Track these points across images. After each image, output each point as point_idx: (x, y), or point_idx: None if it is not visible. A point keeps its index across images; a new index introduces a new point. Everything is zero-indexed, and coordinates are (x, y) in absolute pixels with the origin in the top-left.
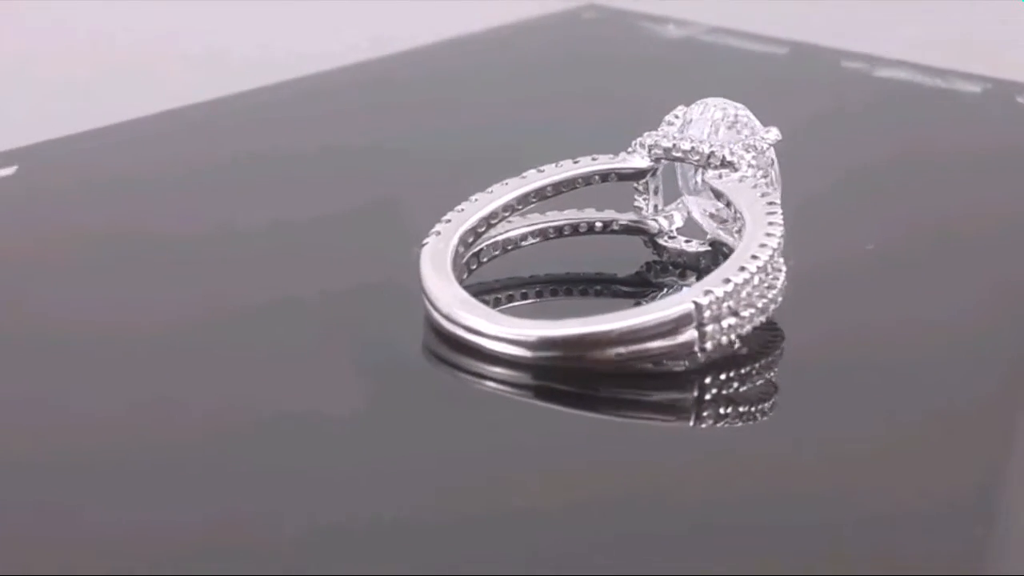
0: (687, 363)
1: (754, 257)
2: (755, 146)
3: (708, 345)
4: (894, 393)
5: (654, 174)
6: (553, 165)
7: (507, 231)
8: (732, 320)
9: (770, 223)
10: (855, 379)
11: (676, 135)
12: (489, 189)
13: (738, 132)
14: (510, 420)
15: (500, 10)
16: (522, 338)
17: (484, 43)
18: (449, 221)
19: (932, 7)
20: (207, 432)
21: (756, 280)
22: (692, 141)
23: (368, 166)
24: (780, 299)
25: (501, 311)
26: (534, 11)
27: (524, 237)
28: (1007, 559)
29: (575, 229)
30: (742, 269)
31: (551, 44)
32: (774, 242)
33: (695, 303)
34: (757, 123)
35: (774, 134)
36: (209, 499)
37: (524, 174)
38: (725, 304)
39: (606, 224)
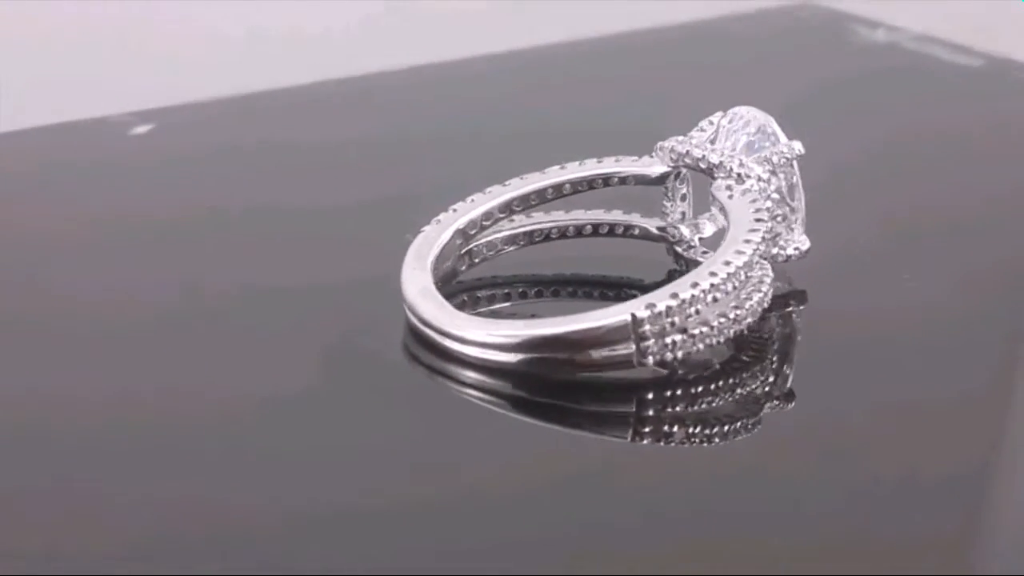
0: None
1: (712, 274)
2: (770, 159)
3: (649, 360)
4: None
5: (678, 180)
6: (576, 163)
7: (522, 226)
8: (678, 337)
9: (746, 240)
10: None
11: (693, 142)
12: (506, 182)
13: (759, 143)
14: (455, 419)
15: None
16: (463, 335)
17: (693, 32)
18: (455, 211)
19: None
20: (174, 415)
21: (710, 298)
22: (704, 149)
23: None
24: (749, 319)
25: (483, 308)
26: (752, 6)
27: (539, 234)
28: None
29: (595, 230)
30: (694, 285)
31: (755, 39)
32: (740, 260)
33: (633, 315)
34: (781, 135)
35: (797, 147)
36: (175, 481)
37: (545, 170)
38: (668, 320)
39: (627, 228)
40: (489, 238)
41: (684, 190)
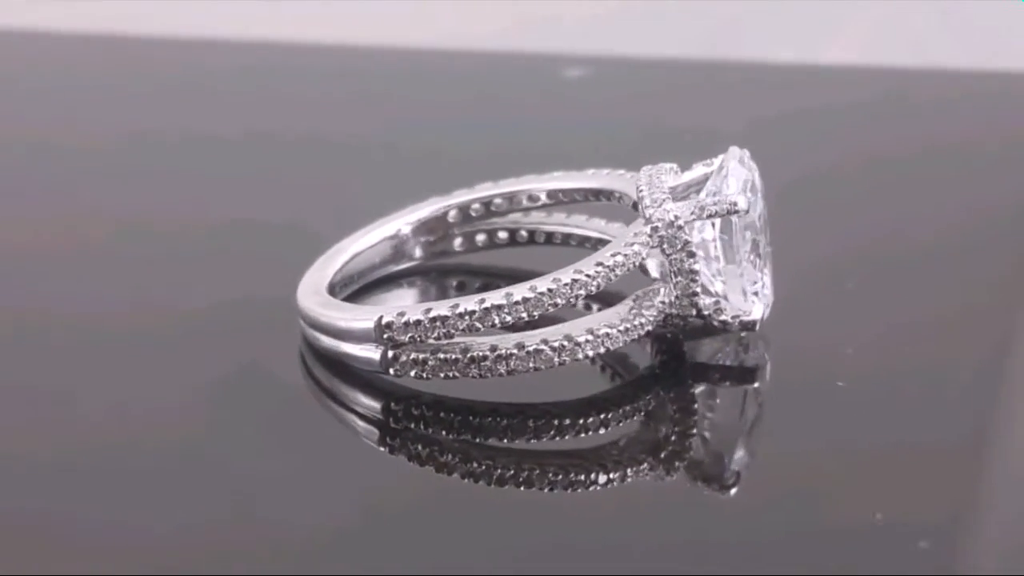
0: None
1: (480, 300)
2: (703, 206)
3: (400, 372)
4: None
5: None
6: (615, 171)
7: (556, 225)
8: (426, 355)
9: (554, 279)
10: None
11: (647, 172)
12: (547, 175)
13: (708, 184)
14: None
15: None
16: (297, 298)
17: None
18: (470, 188)
19: None
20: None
21: (464, 324)
22: (643, 182)
23: None
24: (535, 364)
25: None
26: None
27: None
28: None
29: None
30: (454, 306)
31: None
32: (519, 295)
33: (380, 318)
34: (734, 185)
35: (736, 203)
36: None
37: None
38: (416, 333)
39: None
40: (509, 225)
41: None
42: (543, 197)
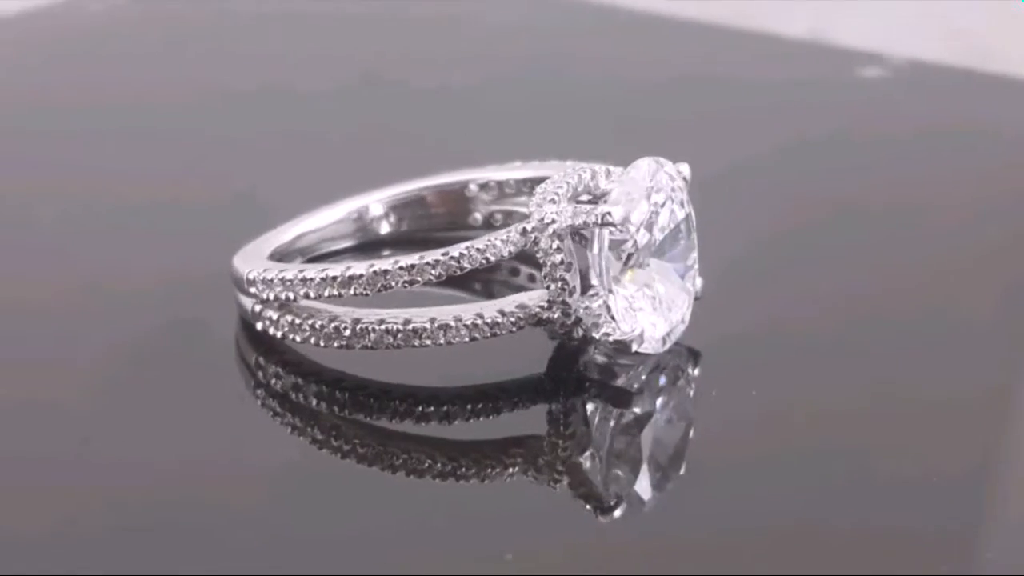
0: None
1: (322, 268)
2: (578, 213)
3: (265, 328)
4: None
5: None
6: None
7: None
8: (279, 314)
9: (394, 261)
10: None
11: (582, 172)
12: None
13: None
14: None
15: None
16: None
17: None
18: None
19: None
20: None
21: (303, 290)
22: (552, 179)
23: None
24: (347, 340)
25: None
26: None
27: None
28: None
29: None
30: (301, 271)
31: None
32: (359, 271)
33: (247, 271)
34: (618, 201)
35: (609, 215)
36: None
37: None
38: (271, 292)
39: None
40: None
41: None
42: (493, 184)
